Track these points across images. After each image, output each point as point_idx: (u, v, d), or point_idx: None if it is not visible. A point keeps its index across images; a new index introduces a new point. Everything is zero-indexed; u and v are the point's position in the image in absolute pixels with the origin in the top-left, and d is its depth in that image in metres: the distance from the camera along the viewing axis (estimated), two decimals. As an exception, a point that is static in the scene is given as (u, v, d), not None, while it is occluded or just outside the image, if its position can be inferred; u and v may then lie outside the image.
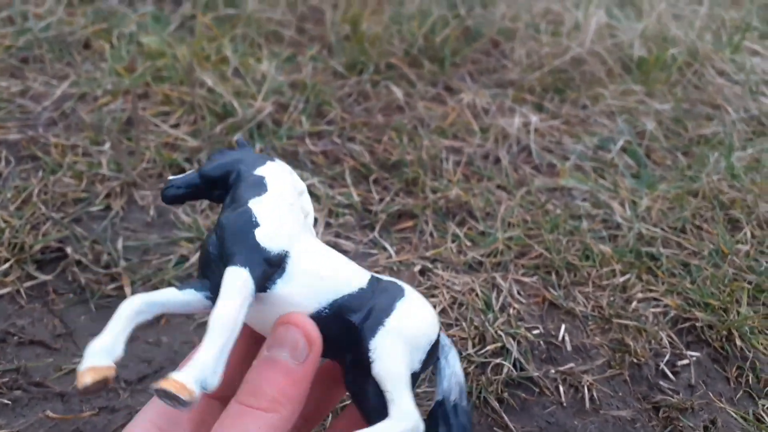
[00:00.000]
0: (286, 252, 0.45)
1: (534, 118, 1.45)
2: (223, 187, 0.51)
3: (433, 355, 0.49)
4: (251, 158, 0.52)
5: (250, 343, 0.48)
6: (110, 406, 0.78)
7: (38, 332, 0.84)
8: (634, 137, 1.44)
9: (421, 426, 0.44)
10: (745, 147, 1.45)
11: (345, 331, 0.46)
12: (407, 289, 0.50)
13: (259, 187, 0.48)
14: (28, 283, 0.89)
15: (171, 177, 0.51)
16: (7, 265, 0.89)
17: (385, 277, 0.51)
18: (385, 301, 0.47)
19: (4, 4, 1.49)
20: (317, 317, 0.45)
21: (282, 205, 0.48)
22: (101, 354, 0.40)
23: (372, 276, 0.49)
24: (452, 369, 0.50)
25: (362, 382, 0.46)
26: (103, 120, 1.18)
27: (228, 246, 0.44)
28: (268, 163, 0.52)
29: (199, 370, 0.38)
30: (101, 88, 1.27)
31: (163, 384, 0.37)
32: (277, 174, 0.51)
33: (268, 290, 0.44)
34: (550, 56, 1.68)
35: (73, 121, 1.18)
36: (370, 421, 0.45)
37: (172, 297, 0.43)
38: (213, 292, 0.43)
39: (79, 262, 0.92)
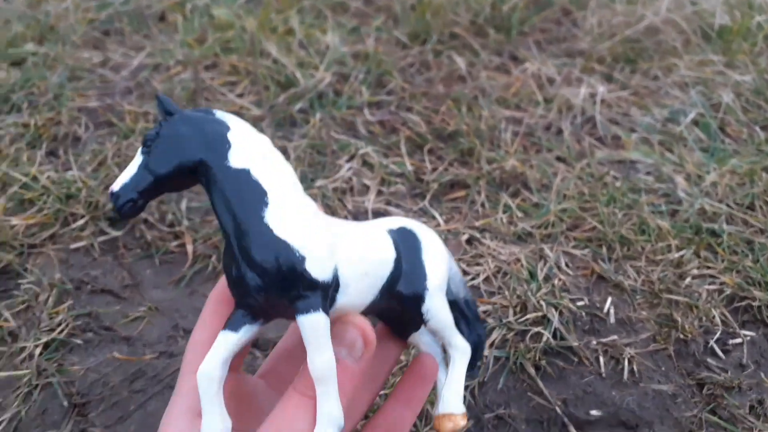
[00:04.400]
0: (336, 267, 0.44)
1: (601, 89, 1.41)
2: (190, 175, 0.43)
3: None
4: (206, 134, 0.43)
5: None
6: (169, 351, 0.84)
7: (109, 282, 0.92)
8: (708, 110, 1.37)
9: (470, 348, 0.53)
10: (831, 121, 1.36)
11: (397, 299, 0.50)
12: (417, 231, 0.53)
13: (255, 190, 0.43)
14: (101, 238, 0.97)
15: (114, 187, 0.42)
16: (82, 221, 0.97)
17: (394, 223, 0.53)
18: (414, 261, 0.51)
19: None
20: (372, 304, 0.48)
21: (298, 207, 0.44)
22: None
23: (387, 232, 0.51)
24: (454, 269, 0.55)
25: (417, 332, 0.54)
26: (173, 88, 1.25)
27: (285, 292, 0.42)
28: (231, 137, 0.44)
29: (333, 424, 0.42)
30: (173, 58, 1.34)
31: None
32: (258, 155, 0.44)
33: (332, 307, 0.45)
34: (623, 25, 1.62)
35: (147, 90, 1.26)
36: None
37: (233, 342, 0.43)
38: (265, 315, 0.45)
39: (146, 221, 0.99)
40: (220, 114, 0.45)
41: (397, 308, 0.51)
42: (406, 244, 0.51)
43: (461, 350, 0.52)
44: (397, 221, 0.53)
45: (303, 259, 0.42)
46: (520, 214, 1.07)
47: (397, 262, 0.49)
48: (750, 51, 1.58)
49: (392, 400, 0.53)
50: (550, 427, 0.77)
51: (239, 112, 1.22)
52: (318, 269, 0.42)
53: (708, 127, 1.33)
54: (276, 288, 0.42)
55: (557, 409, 0.78)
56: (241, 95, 1.27)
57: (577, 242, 1.01)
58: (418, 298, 0.50)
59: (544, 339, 0.84)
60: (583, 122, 1.34)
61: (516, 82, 1.43)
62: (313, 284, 0.42)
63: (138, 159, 0.43)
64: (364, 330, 0.46)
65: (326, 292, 0.43)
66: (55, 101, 1.19)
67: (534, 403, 0.79)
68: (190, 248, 0.96)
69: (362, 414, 0.53)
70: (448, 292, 0.54)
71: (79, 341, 0.84)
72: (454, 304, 0.54)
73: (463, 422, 0.50)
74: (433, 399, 0.64)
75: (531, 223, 1.04)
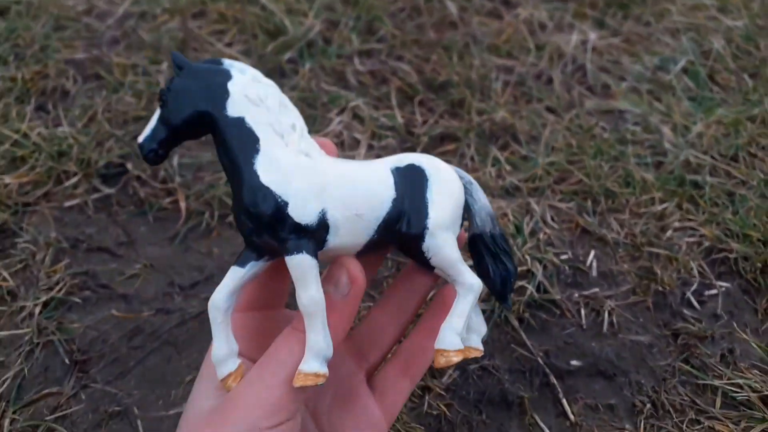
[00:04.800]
0: (323, 210, 0.47)
1: (592, 36, 1.41)
2: (200, 125, 0.48)
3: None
4: (209, 86, 0.47)
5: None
6: (166, 308, 0.87)
7: (104, 240, 0.94)
8: (698, 57, 1.37)
9: (480, 284, 0.52)
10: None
11: (398, 237, 0.52)
12: (426, 168, 0.53)
13: (248, 138, 0.47)
14: (95, 196, 0.98)
15: (140, 139, 0.48)
16: (75, 178, 0.98)
17: (404, 160, 0.53)
18: (417, 200, 0.51)
19: None
20: (369, 243, 0.50)
21: (287, 152, 0.47)
22: (228, 360, 0.49)
23: (392, 170, 0.52)
24: (480, 203, 0.56)
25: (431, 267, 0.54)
26: (161, 39, 1.23)
27: (272, 235, 0.46)
28: (231, 87, 0.47)
29: (318, 354, 0.46)
30: (160, 6, 1.31)
31: (301, 382, 0.46)
32: (252, 103, 0.48)
33: (324, 246, 0.48)
34: (618, -33, 1.59)
35: (134, 40, 1.24)
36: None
37: (240, 276, 0.49)
38: (266, 253, 0.49)
39: (138, 177, 1.00)
40: (228, 63, 0.49)
41: (404, 246, 0.52)
42: (411, 181, 0.52)
43: (466, 287, 0.52)
44: (408, 158, 0.54)
45: (285, 204, 0.46)
46: (508, 168, 1.08)
47: (396, 201, 0.51)
48: (744, -6, 1.56)
49: (416, 331, 0.58)
50: (532, 377, 0.81)
51: (228, 63, 1.21)
52: (301, 213, 0.46)
53: (697, 75, 1.33)
54: (264, 231, 0.46)
55: (539, 359, 0.82)
56: (229, 44, 1.26)
57: (563, 195, 1.04)
58: (418, 237, 0.51)
59: (528, 292, 0.88)
60: (574, 70, 1.34)
61: (508, 28, 1.42)
62: (297, 227, 0.46)
63: (157, 112, 0.48)
64: (350, 269, 0.50)
65: (312, 234, 0.47)
66: (42, 53, 1.18)
67: (517, 354, 0.83)
68: (183, 204, 0.97)
69: (390, 344, 0.58)
70: (474, 226, 0.55)
71: (77, 299, 0.87)
72: (478, 238, 0.55)
73: (456, 359, 0.50)
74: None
75: (519, 177, 1.06)
